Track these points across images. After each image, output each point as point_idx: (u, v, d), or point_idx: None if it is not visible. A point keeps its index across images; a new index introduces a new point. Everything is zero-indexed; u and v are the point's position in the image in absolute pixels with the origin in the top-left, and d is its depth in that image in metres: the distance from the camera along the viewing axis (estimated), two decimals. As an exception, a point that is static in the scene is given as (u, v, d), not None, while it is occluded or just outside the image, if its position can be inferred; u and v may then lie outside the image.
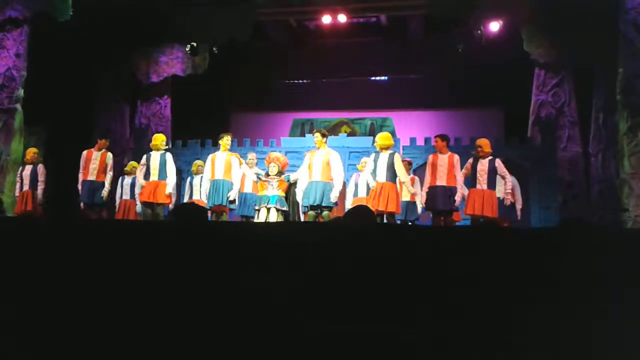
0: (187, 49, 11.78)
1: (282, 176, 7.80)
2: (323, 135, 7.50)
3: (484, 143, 7.36)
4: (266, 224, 6.56)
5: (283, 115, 14.09)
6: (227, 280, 2.52)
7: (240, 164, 8.08)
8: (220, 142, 8.11)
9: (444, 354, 2.24)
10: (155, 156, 8.08)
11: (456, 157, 7.37)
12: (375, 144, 7.62)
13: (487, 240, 2.48)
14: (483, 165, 7.21)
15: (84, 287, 2.61)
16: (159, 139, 8.24)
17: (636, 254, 2.39)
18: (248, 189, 8.39)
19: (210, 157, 8.10)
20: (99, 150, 8.50)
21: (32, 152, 8.87)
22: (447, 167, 7.26)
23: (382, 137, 7.43)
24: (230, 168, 7.91)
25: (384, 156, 7.26)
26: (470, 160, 7.36)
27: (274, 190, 7.65)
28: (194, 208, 3.26)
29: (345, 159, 10.61)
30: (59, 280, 2.66)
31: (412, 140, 10.82)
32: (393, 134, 12.67)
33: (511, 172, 8.41)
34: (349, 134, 12.28)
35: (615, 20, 8.68)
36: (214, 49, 12.19)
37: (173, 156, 11.31)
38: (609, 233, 3.12)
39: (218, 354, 2.35)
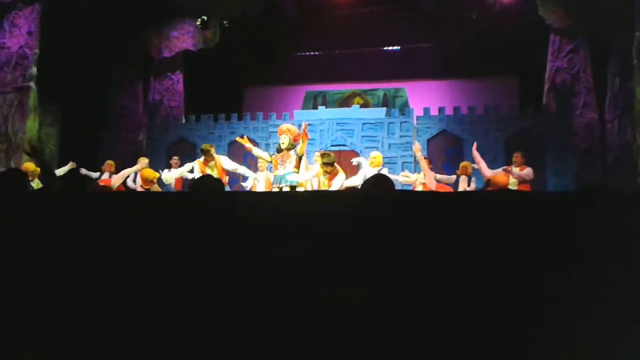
0: (198, 23, 11.71)
1: (295, 153, 6.98)
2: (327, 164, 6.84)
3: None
4: (287, 193, 6.47)
5: (295, 88, 14.03)
6: (247, 251, 2.54)
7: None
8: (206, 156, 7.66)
9: (471, 325, 2.24)
10: None
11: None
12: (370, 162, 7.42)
13: (508, 204, 2.47)
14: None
15: (98, 259, 2.64)
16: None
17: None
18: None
19: (198, 166, 7.68)
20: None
21: (31, 169, 8.50)
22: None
23: (376, 157, 7.40)
24: (223, 169, 7.57)
25: None
26: None
27: (291, 167, 6.90)
28: (212, 180, 3.26)
29: (359, 131, 10.61)
30: (78, 252, 2.69)
31: (426, 110, 10.74)
32: (406, 104, 12.63)
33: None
34: (362, 105, 12.21)
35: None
36: (225, 22, 12.12)
37: (187, 131, 11.46)
38: (630, 198, 3.09)
39: (233, 327, 2.37)
